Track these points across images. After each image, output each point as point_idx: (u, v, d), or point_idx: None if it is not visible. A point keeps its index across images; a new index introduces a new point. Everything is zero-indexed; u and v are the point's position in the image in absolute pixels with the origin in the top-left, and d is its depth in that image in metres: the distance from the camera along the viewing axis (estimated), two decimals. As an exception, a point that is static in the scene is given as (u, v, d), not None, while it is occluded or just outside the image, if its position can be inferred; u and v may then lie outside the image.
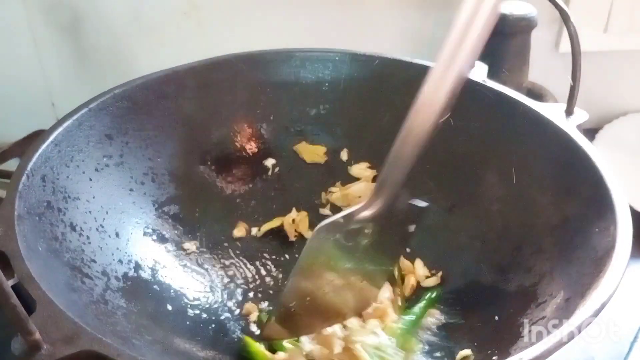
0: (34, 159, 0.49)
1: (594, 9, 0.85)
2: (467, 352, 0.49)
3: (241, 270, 0.60)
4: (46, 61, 0.81)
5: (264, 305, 0.57)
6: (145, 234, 0.57)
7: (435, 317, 0.54)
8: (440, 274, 0.58)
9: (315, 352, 0.50)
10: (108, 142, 0.56)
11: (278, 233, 0.64)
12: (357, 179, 0.65)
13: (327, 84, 0.65)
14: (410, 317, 0.53)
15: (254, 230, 0.64)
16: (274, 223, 0.64)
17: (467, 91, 0.60)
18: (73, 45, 0.81)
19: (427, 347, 0.51)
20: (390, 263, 0.54)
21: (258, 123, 0.65)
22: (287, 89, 0.65)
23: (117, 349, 0.35)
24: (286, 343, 0.51)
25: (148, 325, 0.50)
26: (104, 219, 0.54)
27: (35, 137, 0.53)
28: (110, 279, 0.51)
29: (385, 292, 0.55)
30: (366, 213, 0.48)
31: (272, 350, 0.51)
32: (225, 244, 0.62)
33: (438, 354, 0.51)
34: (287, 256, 0.62)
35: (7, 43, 0.79)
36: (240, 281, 0.59)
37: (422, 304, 0.55)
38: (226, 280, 0.59)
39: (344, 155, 0.66)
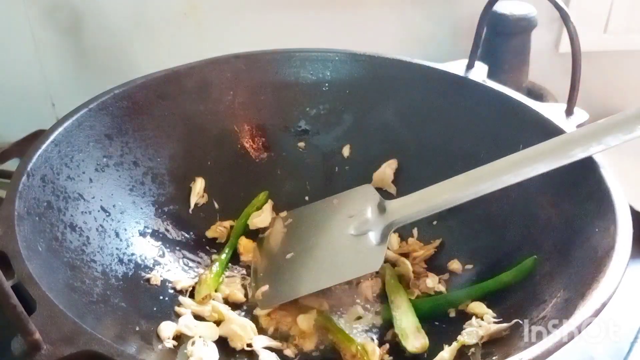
0: (34, 159, 0.49)
1: (594, 9, 0.85)
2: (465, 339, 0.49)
3: (242, 270, 0.60)
4: (46, 61, 0.81)
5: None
6: (145, 234, 0.57)
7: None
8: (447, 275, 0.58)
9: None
10: (108, 142, 0.56)
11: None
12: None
13: (327, 84, 0.65)
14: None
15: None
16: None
17: (468, 91, 0.61)
18: (73, 46, 0.81)
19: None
20: None
21: (258, 123, 0.65)
22: (287, 89, 0.65)
23: (117, 349, 0.35)
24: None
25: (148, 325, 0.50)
26: (103, 219, 0.54)
27: (35, 137, 0.53)
28: (110, 279, 0.51)
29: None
30: None
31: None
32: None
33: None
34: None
35: (7, 43, 0.79)
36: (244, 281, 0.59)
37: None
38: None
39: (345, 151, 0.66)
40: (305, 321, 0.52)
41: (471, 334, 0.48)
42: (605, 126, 0.48)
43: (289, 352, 0.51)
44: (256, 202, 0.63)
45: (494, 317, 0.50)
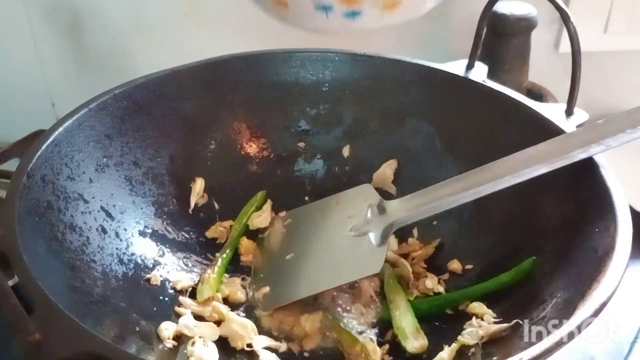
0: (34, 159, 0.49)
1: (594, 9, 0.85)
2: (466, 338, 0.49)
3: (242, 270, 0.60)
4: (46, 61, 0.81)
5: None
6: (145, 234, 0.57)
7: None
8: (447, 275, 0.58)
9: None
10: (108, 142, 0.56)
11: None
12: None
13: (327, 84, 0.65)
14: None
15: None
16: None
17: (468, 91, 0.61)
18: (73, 46, 0.81)
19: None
20: None
21: (258, 123, 0.65)
22: (287, 89, 0.65)
23: (117, 349, 0.35)
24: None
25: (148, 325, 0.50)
26: (103, 219, 0.54)
27: (35, 137, 0.53)
28: (110, 279, 0.51)
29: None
30: None
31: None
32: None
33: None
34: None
35: (7, 43, 0.79)
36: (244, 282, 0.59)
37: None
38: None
39: (345, 151, 0.66)
40: (309, 322, 0.52)
41: (472, 334, 0.48)
42: (605, 126, 0.48)
43: (290, 351, 0.51)
44: (254, 201, 0.63)
45: (494, 317, 0.50)
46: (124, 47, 0.81)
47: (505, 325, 0.47)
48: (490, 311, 0.50)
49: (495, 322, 0.49)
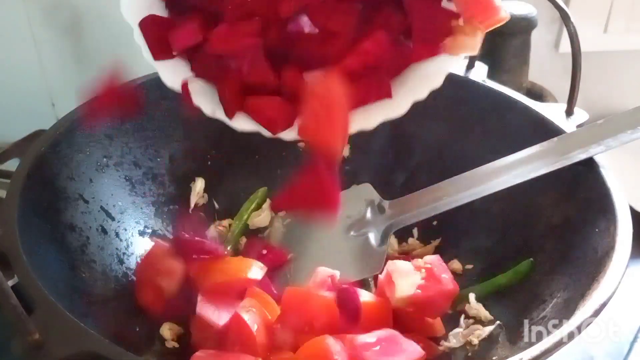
0: (34, 159, 0.49)
1: (594, 9, 0.85)
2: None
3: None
4: (46, 61, 0.81)
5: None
6: (145, 234, 0.57)
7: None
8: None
9: None
10: (108, 142, 0.56)
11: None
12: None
13: (327, 84, 0.65)
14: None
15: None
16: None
17: (468, 91, 0.61)
18: (73, 45, 0.81)
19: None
20: None
21: (258, 123, 0.65)
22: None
23: (117, 350, 0.35)
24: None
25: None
26: (103, 219, 0.54)
27: (35, 137, 0.53)
28: (110, 279, 0.51)
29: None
30: None
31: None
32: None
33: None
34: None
35: (7, 43, 0.79)
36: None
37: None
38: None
39: (345, 151, 0.66)
40: None
41: (456, 335, 0.49)
42: (605, 126, 0.48)
43: None
44: (254, 198, 0.63)
45: (493, 318, 0.50)
46: (124, 47, 0.81)
47: (497, 323, 0.47)
48: (487, 313, 0.50)
49: (492, 322, 0.49)
